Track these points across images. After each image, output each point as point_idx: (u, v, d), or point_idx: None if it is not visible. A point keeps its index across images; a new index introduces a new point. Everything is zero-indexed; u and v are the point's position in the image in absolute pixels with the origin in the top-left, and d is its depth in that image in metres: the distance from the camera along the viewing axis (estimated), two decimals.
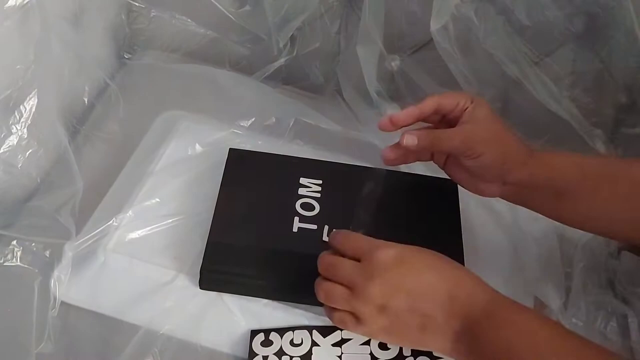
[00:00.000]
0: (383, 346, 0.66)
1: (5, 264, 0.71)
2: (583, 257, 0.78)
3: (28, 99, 0.75)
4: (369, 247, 0.59)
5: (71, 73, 0.84)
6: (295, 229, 0.72)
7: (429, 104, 0.67)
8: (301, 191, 0.76)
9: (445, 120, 0.69)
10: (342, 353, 0.66)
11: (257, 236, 0.71)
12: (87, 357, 0.68)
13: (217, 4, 0.92)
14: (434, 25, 0.83)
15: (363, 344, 0.67)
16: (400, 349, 0.66)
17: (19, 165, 0.76)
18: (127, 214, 0.74)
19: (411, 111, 0.67)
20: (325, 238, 0.71)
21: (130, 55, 0.99)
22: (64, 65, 0.82)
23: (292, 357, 0.66)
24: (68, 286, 0.70)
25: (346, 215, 0.74)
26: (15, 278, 0.71)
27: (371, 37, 0.87)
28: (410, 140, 0.66)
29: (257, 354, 0.66)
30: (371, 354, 0.66)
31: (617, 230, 0.68)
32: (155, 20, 0.97)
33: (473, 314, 0.56)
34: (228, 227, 0.72)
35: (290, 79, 0.97)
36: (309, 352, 0.66)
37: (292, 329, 0.68)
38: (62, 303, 0.69)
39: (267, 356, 0.66)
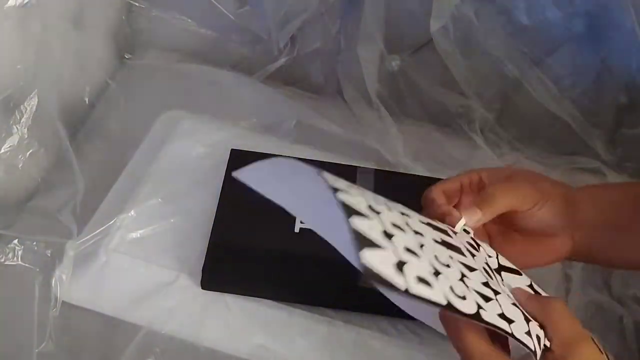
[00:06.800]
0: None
1: (6, 263, 0.71)
2: None
3: (28, 99, 0.75)
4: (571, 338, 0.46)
5: (72, 73, 0.84)
6: (296, 230, 0.72)
7: (438, 198, 0.56)
8: None
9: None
10: None
11: (259, 237, 0.71)
12: (89, 356, 0.68)
13: (217, 4, 0.92)
14: (434, 26, 0.83)
15: None
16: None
17: (20, 166, 0.76)
18: (129, 214, 0.74)
19: (445, 209, 0.54)
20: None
21: (130, 55, 0.99)
22: (65, 65, 0.82)
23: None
24: (69, 286, 0.70)
25: None
26: (16, 277, 0.71)
27: (372, 37, 0.87)
28: (472, 215, 0.53)
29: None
30: None
31: None
32: (156, 20, 0.97)
33: None
34: (230, 227, 0.72)
35: (291, 79, 0.97)
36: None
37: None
38: (63, 303, 0.69)
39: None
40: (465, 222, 0.52)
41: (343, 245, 0.43)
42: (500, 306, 0.44)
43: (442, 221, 0.52)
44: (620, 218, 0.57)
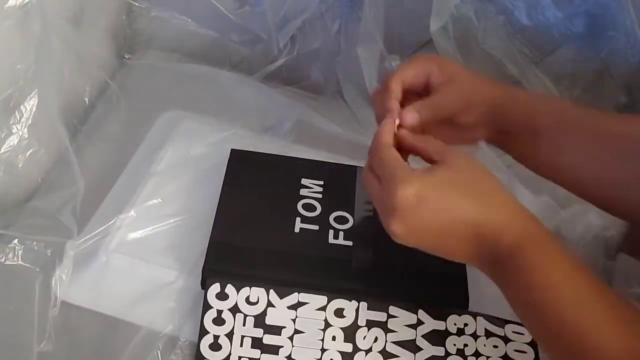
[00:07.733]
0: (339, 313, 0.67)
1: (6, 262, 0.71)
2: (582, 258, 0.78)
3: (29, 98, 0.75)
4: (391, 176, 0.55)
5: (72, 73, 0.84)
6: (297, 230, 0.72)
7: (395, 88, 0.62)
8: (303, 192, 0.76)
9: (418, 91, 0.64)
10: (296, 317, 0.66)
11: (259, 237, 0.71)
12: (88, 356, 0.68)
13: (217, 4, 0.92)
14: (434, 26, 0.83)
15: (319, 309, 0.67)
16: (356, 317, 0.66)
17: (20, 166, 0.76)
18: (129, 214, 0.74)
19: (392, 104, 0.61)
20: (331, 240, 0.72)
21: (130, 55, 0.99)
22: (65, 65, 0.82)
23: (247, 315, 0.66)
24: (69, 285, 0.70)
25: (347, 215, 0.74)
26: (16, 277, 0.71)
27: (371, 37, 0.87)
28: (411, 117, 0.60)
29: (211, 307, 0.66)
30: (325, 320, 0.66)
31: (583, 188, 0.64)
32: (156, 20, 0.97)
33: (496, 255, 0.54)
34: (230, 227, 0.72)
35: (291, 79, 0.97)
36: (264, 312, 0.66)
37: (250, 285, 0.67)
38: (63, 302, 0.69)
39: (222, 311, 0.66)
40: (401, 120, 0.60)
41: None
42: None
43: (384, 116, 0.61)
44: (540, 123, 0.62)
